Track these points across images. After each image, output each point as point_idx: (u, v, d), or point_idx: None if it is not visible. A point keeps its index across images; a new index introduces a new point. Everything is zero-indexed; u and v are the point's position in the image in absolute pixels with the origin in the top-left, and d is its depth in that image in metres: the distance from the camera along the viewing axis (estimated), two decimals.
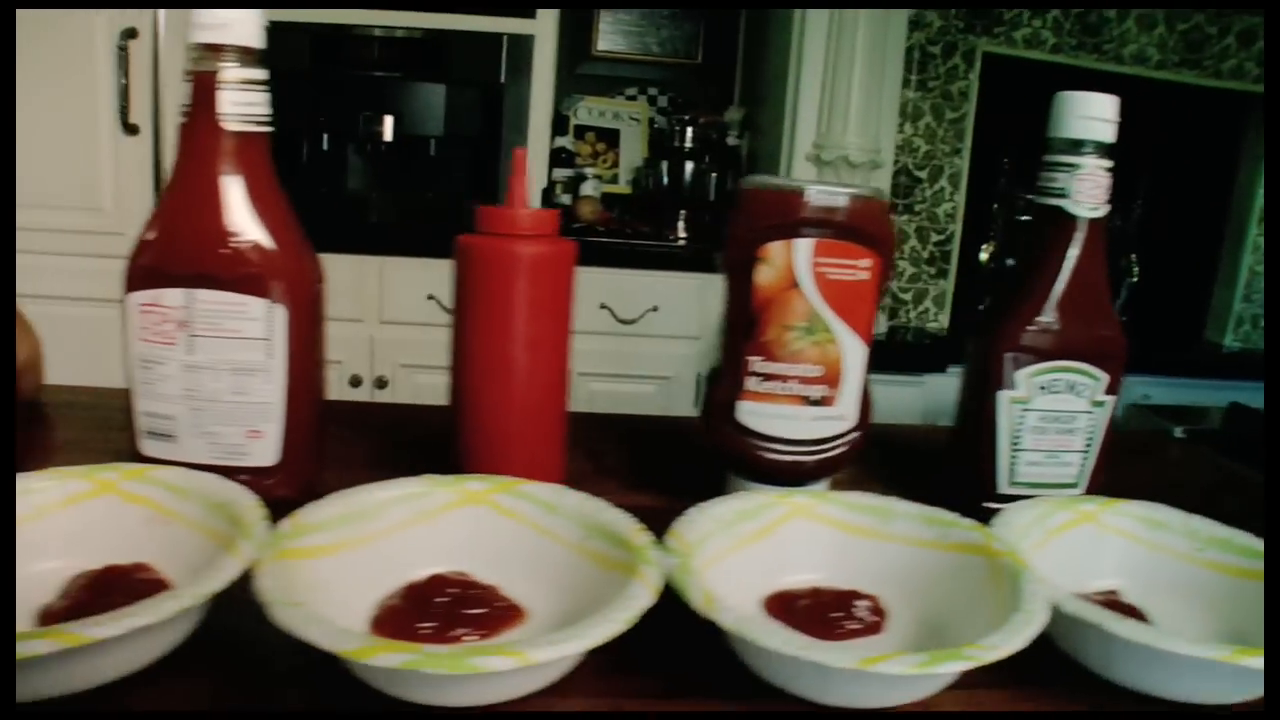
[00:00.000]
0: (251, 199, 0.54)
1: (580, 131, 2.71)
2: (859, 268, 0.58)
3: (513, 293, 0.56)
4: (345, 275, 2.18)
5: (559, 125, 2.60)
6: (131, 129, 2.21)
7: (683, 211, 2.51)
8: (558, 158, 2.58)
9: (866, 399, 0.63)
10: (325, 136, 2.36)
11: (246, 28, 0.53)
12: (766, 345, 0.59)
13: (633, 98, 2.83)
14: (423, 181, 2.40)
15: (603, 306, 2.22)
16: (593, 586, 0.44)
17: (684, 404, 2.27)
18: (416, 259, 2.18)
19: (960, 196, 2.52)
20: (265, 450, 0.55)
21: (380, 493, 0.47)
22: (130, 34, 2.18)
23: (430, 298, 2.18)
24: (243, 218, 0.53)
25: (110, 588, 0.43)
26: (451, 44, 2.29)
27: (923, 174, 2.49)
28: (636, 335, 2.26)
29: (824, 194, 0.57)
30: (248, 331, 0.53)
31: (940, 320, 2.59)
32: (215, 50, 0.53)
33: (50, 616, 0.42)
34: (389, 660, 0.33)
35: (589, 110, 2.74)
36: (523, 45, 2.32)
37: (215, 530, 0.45)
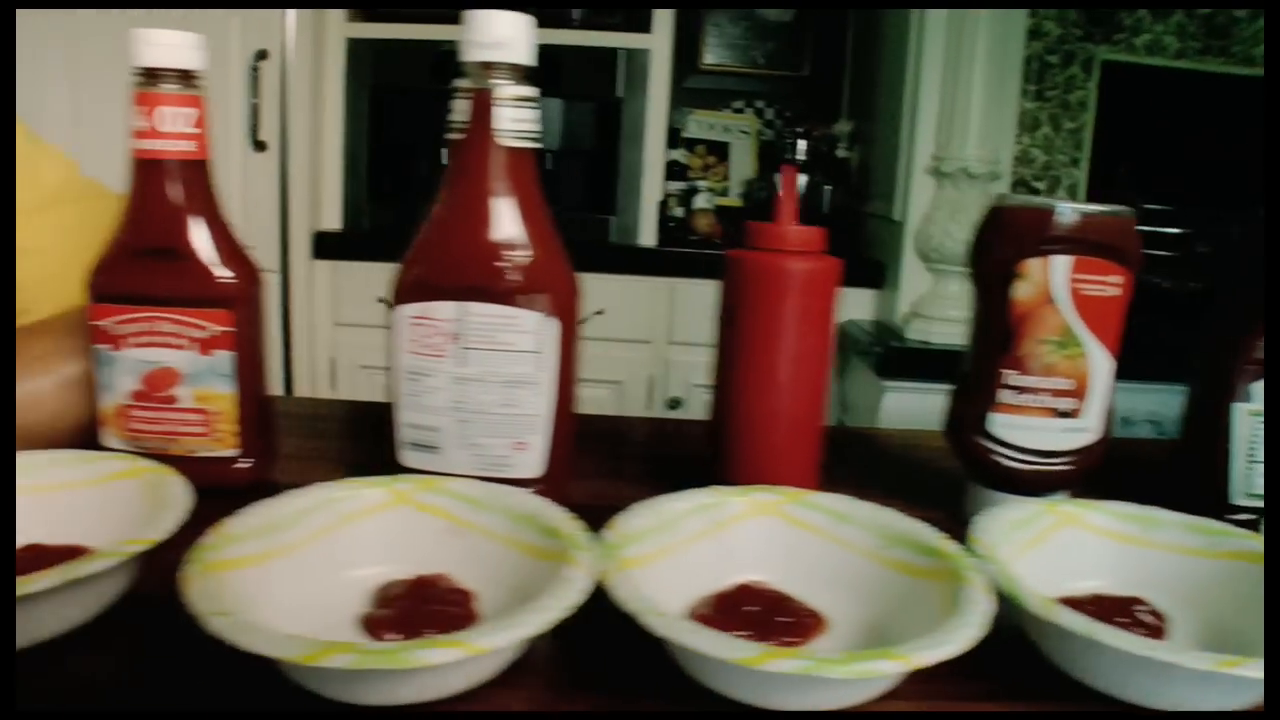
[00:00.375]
0: (523, 213, 0.55)
1: (691, 144, 2.72)
2: (1110, 284, 0.58)
3: (785, 307, 0.57)
4: None
5: (670, 138, 2.62)
6: (260, 145, 2.27)
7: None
8: (670, 171, 2.59)
9: (1109, 411, 0.62)
10: (444, 152, 2.39)
11: (521, 46, 0.54)
12: (1021, 359, 0.58)
13: (740, 111, 2.83)
14: None
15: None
16: (896, 595, 0.44)
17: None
18: None
19: None
20: (529, 462, 0.56)
21: (677, 504, 0.48)
22: (261, 55, 2.25)
23: None
24: (516, 232, 0.54)
25: (427, 597, 0.44)
26: (567, 60, 2.32)
27: (1040, 185, 2.45)
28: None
29: (1080, 212, 0.57)
30: (519, 345, 0.54)
31: None
32: (490, 68, 0.54)
33: (377, 624, 0.43)
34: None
35: (698, 123, 2.75)
36: (636, 60, 2.34)
37: (522, 542, 0.46)
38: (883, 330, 2.27)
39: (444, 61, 2.35)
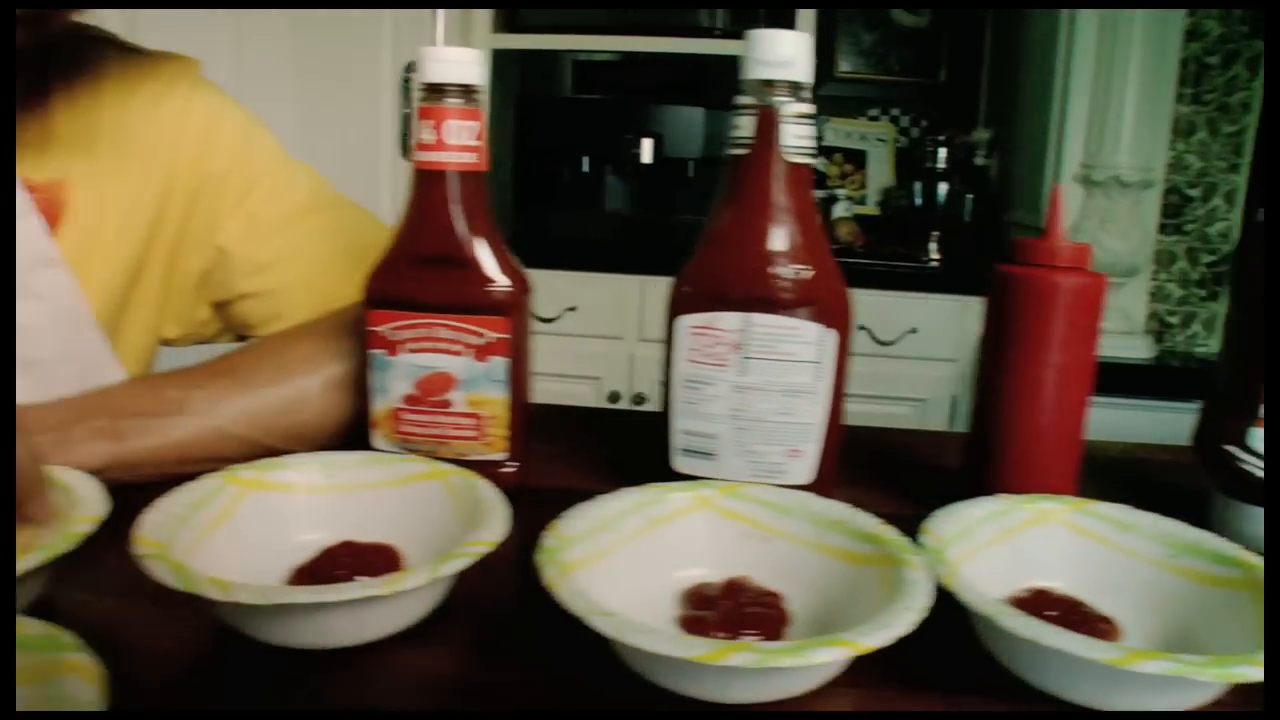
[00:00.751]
0: (804, 227, 0.55)
1: (828, 153, 2.71)
2: None
3: (1054, 322, 0.57)
4: (605, 294, 2.24)
5: None
6: (410, 153, 2.32)
7: (935, 233, 2.47)
8: None
9: None
10: (585, 159, 2.43)
11: (802, 65, 0.55)
12: None
13: (875, 118, 2.81)
14: (681, 203, 2.44)
15: (862, 327, 2.21)
16: (1191, 603, 0.45)
17: (937, 426, 2.23)
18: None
19: (1236, 215, 2.39)
20: (801, 469, 0.57)
21: (974, 510, 0.48)
22: (411, 67, 2.30)
23: None
24: (798, 245, 0.55)
25: (742, 599, 0.45)
26: (710, 68, 2.33)
27: (1195, 192, 2.37)
28: (894, 357, 2.24)
29: None
30: (800, 355, 0.55)
31: (1210, 345, 2.46)
32: (773, 86, 0.55)
33: (701, 625, 0.43)
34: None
35: (835, 131, 2.74)
36: None
37: (831, 547, 0.46)
38: None
39: (584, 71, 2.39)
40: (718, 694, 0.38)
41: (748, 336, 0.55)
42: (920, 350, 2.24)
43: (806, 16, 2.35)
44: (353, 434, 0.67)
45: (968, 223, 2.49)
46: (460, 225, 0.59)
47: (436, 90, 0.58)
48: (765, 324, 0.55)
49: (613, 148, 2.35)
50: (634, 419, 0.84)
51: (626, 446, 0.72)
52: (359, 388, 0.67)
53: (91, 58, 0.73)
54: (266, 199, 0.77)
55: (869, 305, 2.18)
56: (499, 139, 2.45)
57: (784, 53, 0.55)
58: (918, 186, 2.52)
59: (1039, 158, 2.32)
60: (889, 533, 0.46)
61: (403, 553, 0.49)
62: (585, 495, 0.48)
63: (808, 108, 0.56)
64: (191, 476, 0.49)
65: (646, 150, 2.34)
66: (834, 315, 0.55)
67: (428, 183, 0.59)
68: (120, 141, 0.73)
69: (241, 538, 0.48)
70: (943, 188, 2.52)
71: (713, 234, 0.57)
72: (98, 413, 0.61)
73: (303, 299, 0.77)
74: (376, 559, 0.48)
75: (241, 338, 0.84)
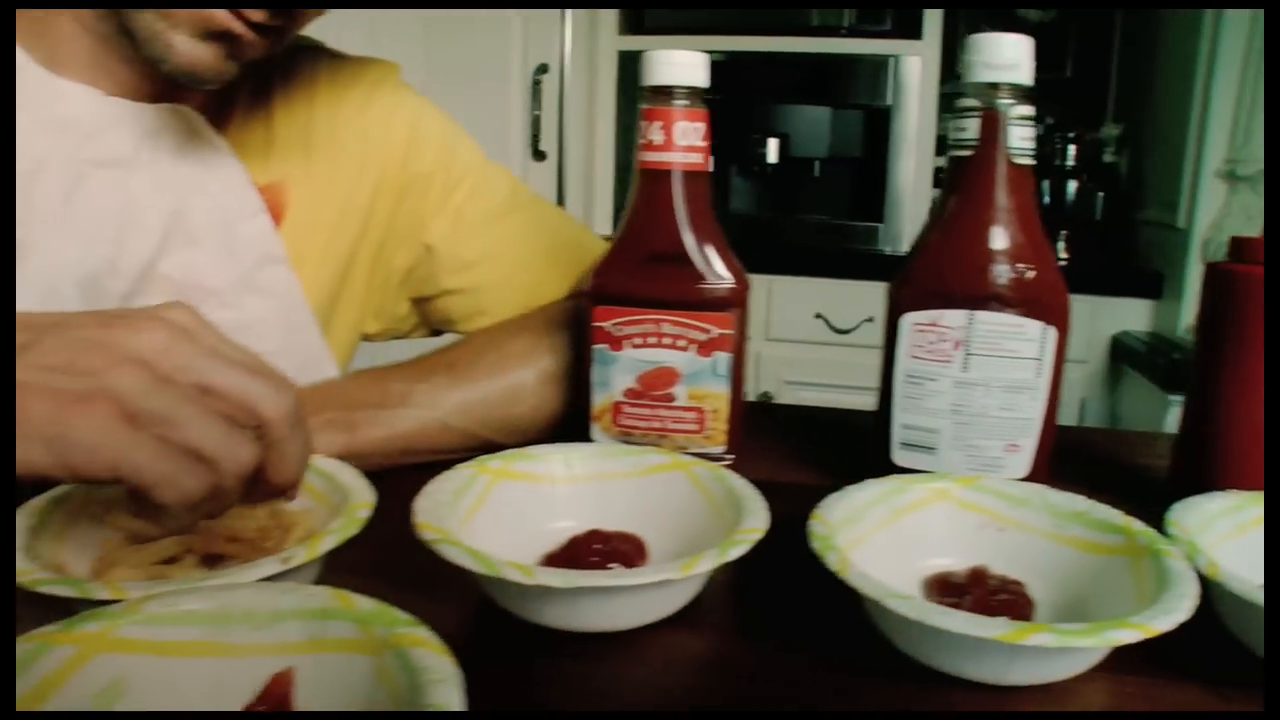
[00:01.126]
0: (1027, 227, 0.57)
1: None
2: None
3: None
4: None
5: (937, 145, 2.59)
6: (540, 155, 2.38)
7: (1063, 231, 2.43)
8: (937, 178, 2.56)
9: None
10: (711, 159, 2.44)
11: (1025, 68, 0.56)
12: None
13: None
14: (807, 202, 2.45)
15: None
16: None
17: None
18: (804, 278, 2.23)
19: None
20: (1019, 463, 0.58)
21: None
22: (542, 69, 2.35)
23: (818, 316, 2.22)
24: (1022, 244, 0.56)
25: (990, 588, 0.47)
26: (836, 67, 2.33)
27: None
28: None
29: None
30: (1023, 351, 0.56)
31: None
32: (997, 89, 0.56)
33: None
34: None
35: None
36: (903, 67, 2.32)
37: (1072, 537, 0.48)
38: (1162, 342, 2.18)
39: (712, 69, 2.40)
40: (994, 675, 0.40)
41: (971, 333, 0.56)
42: None
43: (934, 14, 2.34)
44: (561, 427, 0.70)
45: (1098, 221, 2.45)
46: (686, 224, 0.61)
47: (664, 92, 0.60)
48: (989, 321, 0.56)
49: (739, 148, 2.37)
50: (825, 415, 0.86)
51: (830, 440, 0.74)
52: (571, 382, 0.70)
53: (305, 65, 0.78)
54: (470, 198, 0.81)
55: None
56: (626, 142, 2.49)
57: (1008, 56, 0.56)
58: (1045, 184, 2.48)
59: (1175, 154, 2.26)
60: (1135, 524, 0.47)
61: (647, 541, 0.51)
62: (798, 488, 0.51)
63: (1030, 110, 0.57)
64: (414, 467, 0.52)
65: (772, 150, 2.35)
66: (1055, 313, 0.57)
67: (654, 182, 0.61)
68: (333, 144, 0.77)
69: (496, 525, 0.51)
70: (1071, 185, 2.48)
71: (936, 233, 0.58)
72: (331, 405, 0.65)
73: (506, 296, 0.81)
74: (625, 546, 0.50)
75: (436, 333, 0.88)
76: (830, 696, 0.41)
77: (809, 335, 2.24)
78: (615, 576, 0.41)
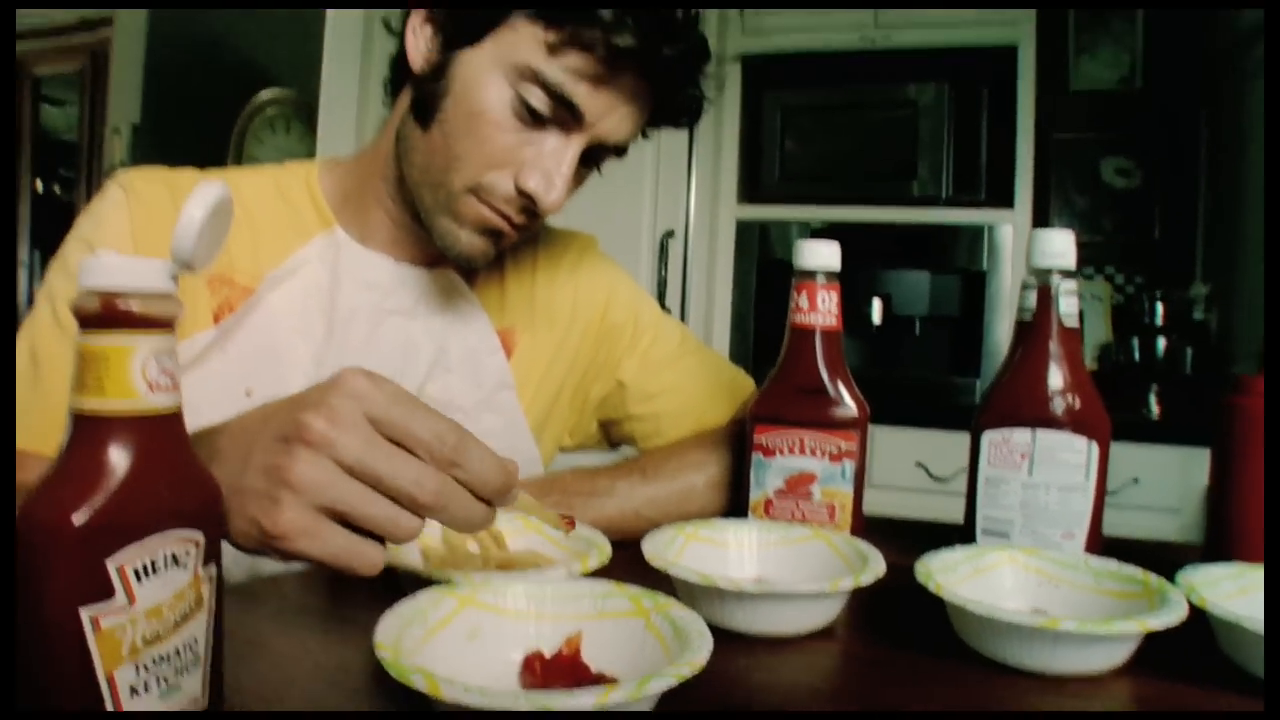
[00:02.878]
0: (1074, 370, 0.78)
1: None
2: None
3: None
4: None
5: None
6: (665, 311, 2.65)
7: (1154, 385, 2.59)
8: None
9: None
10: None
11: (1071, 256, 0.79)
12: None
13: (1090, 277, 2.97)
14: (909, 358, 2.66)
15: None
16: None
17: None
18: (906, 429, 2.41)
19: None
20: (1075, 547, 0.78)
21: (1223, 569, 0.69)
22: (669, 234, 2.65)
23: (918, 465, 2.40)
24: (1070, 382, 0.78)
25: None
26: (935, 235, 2.57)
27: None
28: (1116, 506, 2.31)
29: None
30: (1073, 460, 0.77)
31: None
32: (1049, 272, 0.79)
33: None
34: None
35: None
36: (997, 234, 2.55)
37: (1107, 589, 0.68)
38: None
39: (818, 237, 2.66)
40: (1042, 663, 0.60)
41: (1034, 447, 0.78)
42: (1143, 500, 2.31)
43: (1024, 185, 2.58)
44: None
45: (1188, 376, 2.60)
46: (823, 367, 0.85)
47: (809, 273, 0.84)
48: (1047, 437, 0.77)
49: (846, 308, 2.60)
50: (924, 524, 1.06)
51: (926, 533, 0.94)
52: (731, 487, 0.93)
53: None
54: (654, 344, 1.06)
55: None
56: (742, 300, 2.75)
57: (1058, 247, 0.79)
58: (1135, 342, 2.65)
59: (1262, 310, 2.41)
60: (1152, 577, 0.66)
61: (801, 586, 0.72)
62: (905, 564, 0.71)
63: (1075, 285, 0.79)
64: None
65: (877, 310, 2.58)
66: (1097, 431, 0.78)
67: (801, 336, 0.85)
68: (551, 302, 1.03)
69: (698, 565, 0.73)
70: (1161, 342, 2.64)
71: (1008, 374, 0.80)
72: (555, 490, 0.89)
73: (679, 422, 1.04)
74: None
75: (614, 447, 1.12)
76: (928, 687, 0.61)
77: (910, 483, 2.40)
78: (788, 588, 0.63)
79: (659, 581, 0.64)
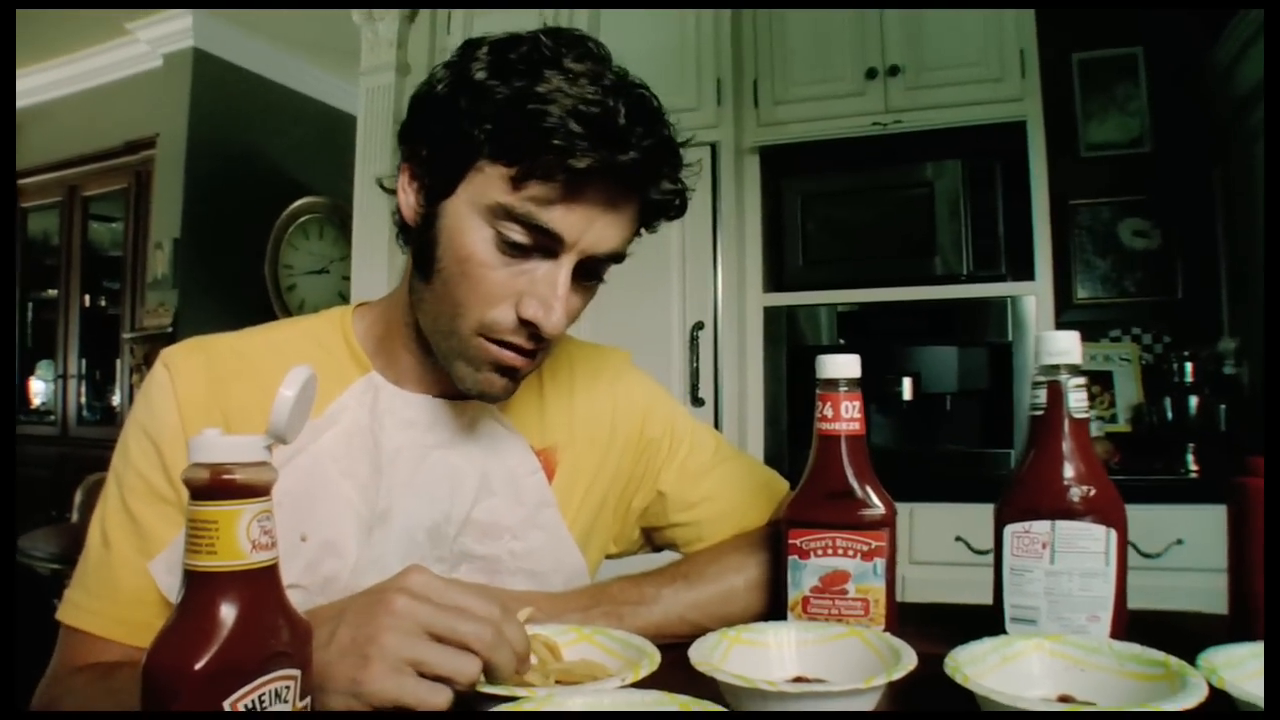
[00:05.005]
0: (1087, 462, 0.83)
1: None
2: None
3: None
4: None
5: None
6: (699, 401, 2.71)
7: (1190, 444, 2.60)
8: None
9: None
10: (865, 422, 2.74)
11: (1076, 353, 0.84)
12: None
13: (1116, 339, 3.01)
14: (941, 433, 2.70)
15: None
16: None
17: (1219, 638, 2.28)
18: (943, 504, 2.44)
19: None
20: (1100, 630, 0.82)
21: (1246, 648, 0.72)
22: (698, 326, 2.72)
23: (958, 539, 2.42)
24: (1083, 473, 0.83)
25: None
26: (960, 310, 2.62)
27: None
28: (1162, 569, 2.30)
29: None
30: (1092, 548, 0.82)
31: None
32: (1057, 369, 0.84)
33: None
34: None
35: None
36: (1020, 305, 2.60)
37: (1132, 672, 0.72)
38: None
39: (846, 319, 2.73)
40: None
41: (1054, 537, 0.82)
42: (1189, 561, 2.30)
43: (1044, 254, 2.63)
44: (764, 618, 0.97)
45: (1224, 432, 2.61)
46: (850, 471, 0.90)
47: (832, 383, 0.90)
48: (1066, 528, 0.82)
49: (875, 387, 2.66)
50: (957, 607, 1.10)
51: (959, 618, 0.98)
52: (771, 586, 0.97)
53: (562, 355, 1.11)
54: (690, 454, 1.12)
55: (1131, 519, 2.27)
56: (774, 387, 2.81)
57: (1063, 346, 0.84)
58: (1168, 401, 2.67)
59: None
60: (1173, 660, 0.70)
61: (837, 681, 0.77)
62: (938, 653, 0.75)
63: (1083, 380, 0.85)
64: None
65: (907, 388, 2.63)
66: (1113, 517, 0.82)
67: (828, 444, 0.90)
68: (590, 419, 1.09)
69: (740, 669, 0.78)
70: (1193, 400, 2.66)
71: (1023, 469, 0.85)
72: (604, 601, 0.94)
73: (719, 527, 1.10)
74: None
75: (658, 550, 1.17)
76: None
77: (951, 557, 2.42)
78: (825, 687, 0.68)
79: (706, 683, 0.69)
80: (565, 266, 0.88)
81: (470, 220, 0.87)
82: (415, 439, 0.98)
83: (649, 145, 0.86)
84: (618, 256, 0.92)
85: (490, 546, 1.00)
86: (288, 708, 0.50)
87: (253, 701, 0.48)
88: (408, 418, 0.99)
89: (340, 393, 0.97)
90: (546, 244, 0.87)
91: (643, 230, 0.94)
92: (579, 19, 2.99)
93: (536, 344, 0.91)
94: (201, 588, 0.49)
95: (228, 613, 0.48)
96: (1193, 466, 2.58)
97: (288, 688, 0.50)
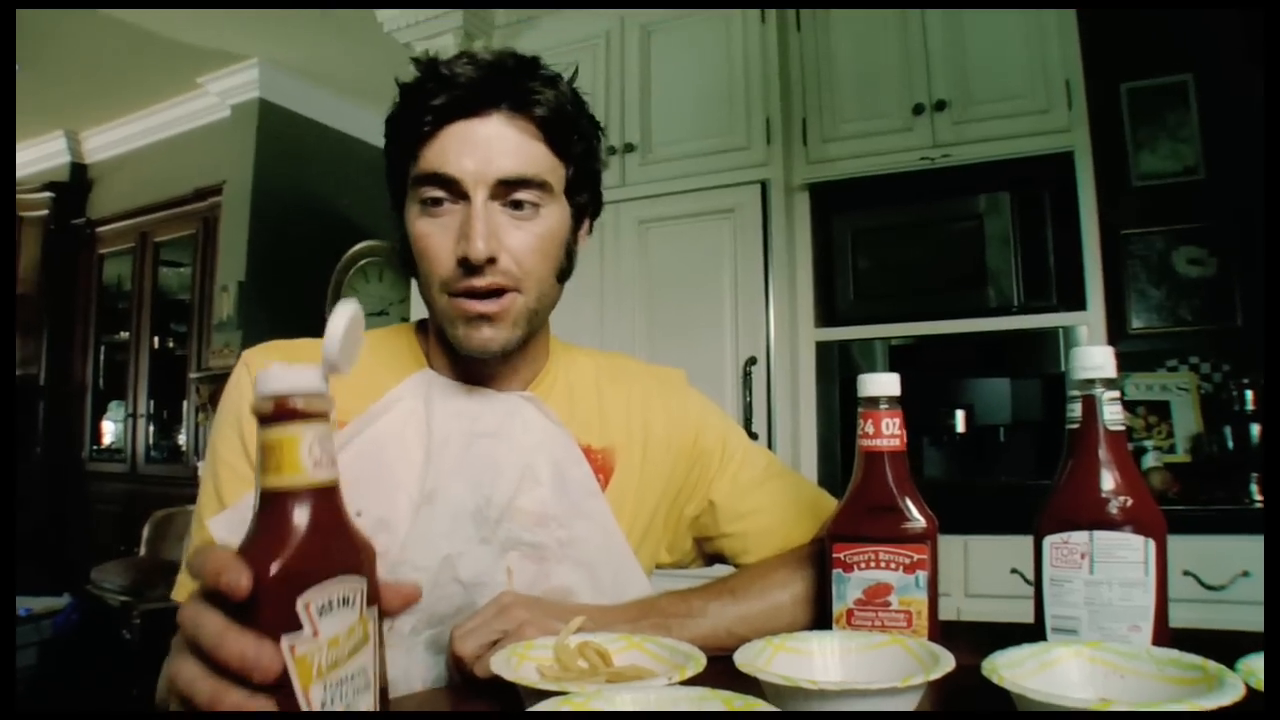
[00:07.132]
0: (1124, 472, 0.85)
1: (1131, 407, 2.89)
2: None
3: None
4: None
5: None
6: (753, 435, 2.73)
7: (1254, 474, 2.56)
8: None
9: None
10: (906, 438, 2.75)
11: (1111, 367, 0.86)
12: None
13: (1174, 368, 2.97)
14: (994, 465, 2.69)
15: (1186, 573, 2.25)
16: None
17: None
18: (998, 536, 2.41)
19: None
20: (1142, 639, 0.83)
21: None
22: (751, 361, 2.75)
23: (1013, 571, 2.40)
24: (1120, 484, 0.84)
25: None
26: (1012, 342, 2.62)
27: None
28: (1227, 602, 2.24)
29: None
30: (1130, 557, 0.83)
31: None
32: (1092, 383, 0.86)
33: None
34: None
35: (1135, 386, 2.92)
36: (1073, 336, 2.59)
37: (1170, 676, 0.73)
38: None
39: (898, 353, 2.74)
40: None
41: (1093, 547, 0.84)
42: (1256, 594, 2.23)
43: (1095, 284, 2.62)
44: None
45: None
46: (892, 485, 0.92)
47: (873, 401, 0.93)
48: (1104, 538, 0.84)
49: (929, 420, 2.66)
50: (1001, 625, 1.11)
51: (1002, 630, 1.00)
52: (817, 601, 1.00)
53: (622, 370, 1.16)
54: (742, 467, 1.15)
55: (1193, 550, 2.23)
56: (826, 421, 2.82)
57: (1098, 361, 0.86)
58: (1228, 431, 2.64)
59: None
60: (1211, 664, 0.72)
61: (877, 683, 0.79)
62: (978, 664, 0.76)
63: (1117, 394, 0.87)
64: None
65: (960, 420, 2.63)
66: (1151, 527, 0.84)
67: (870, 459, 0.93)
68: (648, 431, 1.14)
69: (785, 672, 0.80)
70: (1255, 429, 2.62)
71: (1061, 480, 0.87)
72: (654, 613, 0.97)
73: (767, 540, 1.12)
74: None
75: (709, 563, 1.20)
76: None
77: (1007, 589, 2.38)
78: (869, 685, 0.70)
79: (750, 686, 0.72)
80: (478, 200, 0.97)
81: (412, 209, 1.01)
82: (463, 428, 1.05)
83: (485, 62, 0.98)
84: (529, 181, 0.99)
85: (538, 534, 1.05)
86: (355, 613, 0.56)
87: (324, 602, 0.54)
88: (457, 408, 1.06)
89: (396, 384, 1.06)
90: (450, 189, 0.97)
91: (565, 157, 1.03)
92: (630, 59, 3.07)
93: (483, 281, 0.98)
94: (271, 504, 0.55)
95: (296, 523, 0.54)
96: (1257, 496, 2.54)
97: (355, 595, 0.57)
